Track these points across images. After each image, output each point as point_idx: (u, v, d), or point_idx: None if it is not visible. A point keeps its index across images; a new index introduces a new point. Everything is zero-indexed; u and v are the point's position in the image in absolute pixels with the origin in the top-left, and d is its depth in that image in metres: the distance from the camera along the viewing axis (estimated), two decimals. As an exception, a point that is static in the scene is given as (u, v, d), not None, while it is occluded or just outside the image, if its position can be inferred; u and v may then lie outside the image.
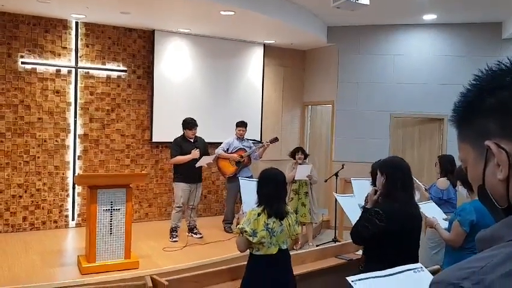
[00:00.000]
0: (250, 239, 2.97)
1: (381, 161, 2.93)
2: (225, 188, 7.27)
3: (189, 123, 6.16)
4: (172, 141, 6.26)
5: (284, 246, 3.12)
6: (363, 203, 3.11)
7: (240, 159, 6.65)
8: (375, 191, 2.92)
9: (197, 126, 6.20)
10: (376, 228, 2.70)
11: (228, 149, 6.72)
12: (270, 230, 3.00)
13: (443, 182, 4.68)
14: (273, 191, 3.07)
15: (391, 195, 2.77)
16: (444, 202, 4.55)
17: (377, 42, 7.85)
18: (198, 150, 6.09)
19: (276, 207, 3.05)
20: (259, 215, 3.02)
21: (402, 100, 7.70)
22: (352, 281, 1.64)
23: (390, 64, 7.78)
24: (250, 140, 7.05)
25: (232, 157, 6.65)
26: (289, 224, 3.12)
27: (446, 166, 4.69)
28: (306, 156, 6.54)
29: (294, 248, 6.42)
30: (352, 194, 4.03)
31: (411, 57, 7.71)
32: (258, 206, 3.10)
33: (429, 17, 7.19)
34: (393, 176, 2.79)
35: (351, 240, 3.91)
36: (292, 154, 6.55)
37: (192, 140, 6.21)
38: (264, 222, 2.99)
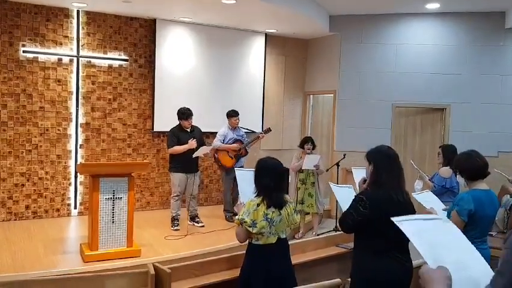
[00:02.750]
0: (250, 229, 2.98)
1: (369, 150, 2.94)
2: (221, 179, 7.25)
3: (184, 114, 6.10)
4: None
5: (283, 236, 3.13)
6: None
7: (238, 152, 6.65)
8: (365, 180, 2.93)
9: (192, 115, 6.15)
10: (360, 215, 2.71)
11: (223, 141, 6.67)
12: (269, 220, 3.01)
13: (446, 171, 4.70)
14: (272, 181, 3.05)
15: (377, 183, 2.78)
16: (447, 191, 4.57)
17: (379, 31, 7.81)
18: (194, 140, 6.06)
19: (275, 197, 3.05)
20: (258, 205, 3.02)
21: (404, 90, 7.68)
22: (397, 221, 1.69)
23: (392, 53, 7.75)
24: (243, 128, 6.96)
25: (231, 147, 6.60)
26: (288, 213, 3.12)
27: (448, 155, 4.71)
28: (314, 146, 6.55)
29: (296, 236, 6.46)
30: (347, 185, 4.05)
31: (414, 47, 7.67)
32: (256, 196, 3.09)
33: (432, 6, 7.14)
34: (380, 164, 2.80)
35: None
36: (302, 144, 6.57)
37: (189, 130, 6.18)
38: (264, 212, 3.00)
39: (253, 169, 3.21)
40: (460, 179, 3.38)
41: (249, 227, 2.98)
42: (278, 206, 3.06)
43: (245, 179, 3.66)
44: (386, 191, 2.73)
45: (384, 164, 2.80)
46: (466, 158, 3.32)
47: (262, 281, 2.99)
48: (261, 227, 2.98)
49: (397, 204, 2.72)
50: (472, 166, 3.27)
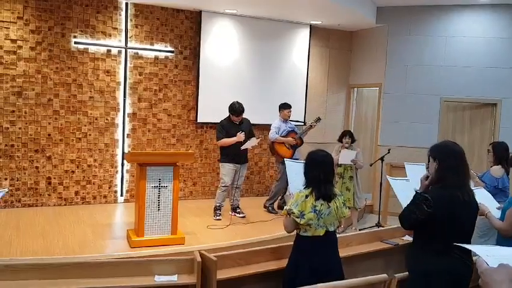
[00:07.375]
0: (298, 220, 3.00)
1: (433, 146, 2.83)
2: (276, 170, 7.27)
3: (236, 111, 6.08)
4: (218, 122, 6.30)
5: (331, 229, 3.13)
6: (418, 188, 3.03)
7: (295, 143, 6.70)
8: (427, 177, 2.85)
9: (244, 111, 6.15)
10: (423, 215, 2.64)
11: (277, 133, 6.72)
12: (317, 212, 3.01)
13: (497, 170, 4.51)
14: (321, 173, 3.06)
15: (442, 181, 2.68)
16: (499, 191, 4.38)
17: (428, 23, 7.58)
18: (243, 133, 6.10)
19: (324, 189, 3.05)
20: (307, 197, 3.03)
21: (453, 84, 7.44)
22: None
23: (442, 46, 7.51)
24: (293, 121, 7.01)
25: (288, 141, 6.68)
26: (337, 206, 3.11)
27: (501, 153, 4.52)
28: (353, 140, 6.44)
29: (337, 231, 6.40)
30: (406, 178, 3.92)
31: (465, 39, 7.41)
32: (305, 188, 3.11)
33: (485, -3, 6.88)
34: (446, 161, 2.68)
35: (396, 225, 3.86)
36: (340, 138, 6.50)
37: (237, 123, 6.23)
38: (312, 204, 3.01)
39: (303, 161, 3.21)
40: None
41: (297, 217, 3.00)
42: (327, 198, 3.06)
43: (294, 170, 3.67)
44: (451, 190, 2.64)
45: (451, 162, 2.68)
46: None
47: (308, 273, 2.99)
48: (308, 219, 2.99)
49: (462, 204, 2.63)
50: None
